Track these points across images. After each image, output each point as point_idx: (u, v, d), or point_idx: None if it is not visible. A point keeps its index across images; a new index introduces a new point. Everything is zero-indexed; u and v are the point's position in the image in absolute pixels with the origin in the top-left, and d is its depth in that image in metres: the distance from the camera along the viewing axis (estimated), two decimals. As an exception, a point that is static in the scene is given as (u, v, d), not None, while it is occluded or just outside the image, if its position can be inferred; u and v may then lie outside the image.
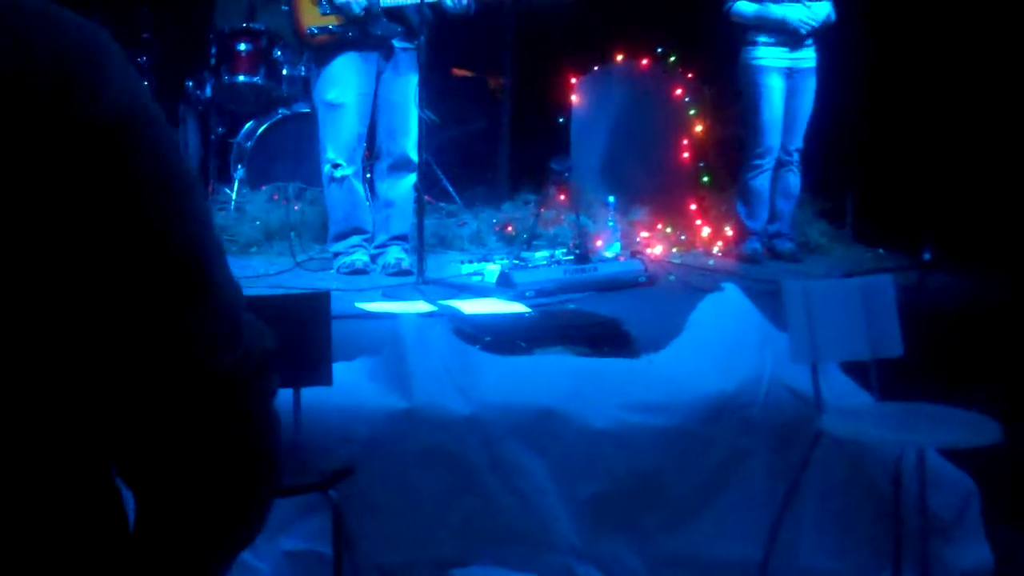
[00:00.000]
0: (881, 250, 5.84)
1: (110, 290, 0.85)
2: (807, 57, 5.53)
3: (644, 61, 6.35)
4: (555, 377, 3.30)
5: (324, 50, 4.94)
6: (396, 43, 4.94)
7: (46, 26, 0.85)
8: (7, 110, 0.81)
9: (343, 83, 4.92)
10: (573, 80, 6.52)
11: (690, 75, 6.27)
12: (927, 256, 4.89)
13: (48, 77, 0.83)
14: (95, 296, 0.85)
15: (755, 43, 5.50)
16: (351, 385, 3.15)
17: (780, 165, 5.63)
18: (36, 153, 0.82)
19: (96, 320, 0.85)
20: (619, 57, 6.43)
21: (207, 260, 0.90)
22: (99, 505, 0.92)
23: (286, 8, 5.12)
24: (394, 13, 4.87)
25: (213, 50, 6.28)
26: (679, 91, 6.22)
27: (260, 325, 0.95)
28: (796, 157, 5.62)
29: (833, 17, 5.49)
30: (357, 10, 4.82)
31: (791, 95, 5.53)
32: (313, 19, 4.91)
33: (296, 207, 5.71)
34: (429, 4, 4.73)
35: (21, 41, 0.83)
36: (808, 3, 5.41)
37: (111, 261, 0.85)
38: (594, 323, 3.82)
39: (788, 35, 5.45)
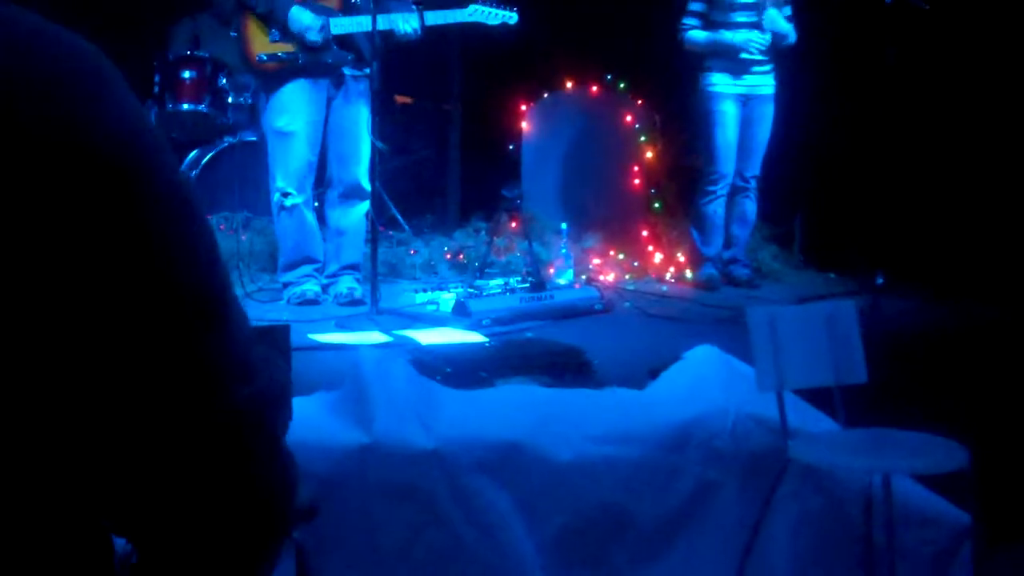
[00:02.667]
0: (832, 274, 5.87)
1: (121, 326, 0.79)
2: (764, 84, 5.51)
3: (594, 87, 6.35)
4: (519, 409, 3.24)
5: (274, 77, 4.87)
6: (347, 71, 4.88)
7: (42, 45, 0.78)
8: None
9: (293, 111, 4.85)
10: (523, 107, 6.51)
11: (640, 101, 6.28)
12: (879, 280, 4.91)
13: (46, 101, 0.75)
14: (106, 332, 0.79)
15: (710, 70, 5.49)
16: (310, 420, 3.05)
17: (736, 192, 5.62)
18: (34, 183, 0.74)
19: (106, 356, 0.79)
20: (569, 84, 6.42)
21: (219, 290, 0.85)
22: (87, 556, 0.85)
23: (234, 35, 5.04)
24: (345, 41, 4.82)
25: (157, 78, 6.16)
26: (629, 117, 6.23)
27: (273, 356, 0.91)
28: (753, 184, 5.62)
29: (793, 39, 5.47)
30: (313, 37, 4.75)
31: (747, 122, 5.52)
32: (262, 46, 4.84)
33: (243, 236, 5.62)
34: (380, 32, 4.68)
35: (14, 62, 0.75)
36: (764, 31, 5.40)
37: (122, 297, 0.78)
38: (555, 352, 3.77)
39: (742, 61, 5.44)
